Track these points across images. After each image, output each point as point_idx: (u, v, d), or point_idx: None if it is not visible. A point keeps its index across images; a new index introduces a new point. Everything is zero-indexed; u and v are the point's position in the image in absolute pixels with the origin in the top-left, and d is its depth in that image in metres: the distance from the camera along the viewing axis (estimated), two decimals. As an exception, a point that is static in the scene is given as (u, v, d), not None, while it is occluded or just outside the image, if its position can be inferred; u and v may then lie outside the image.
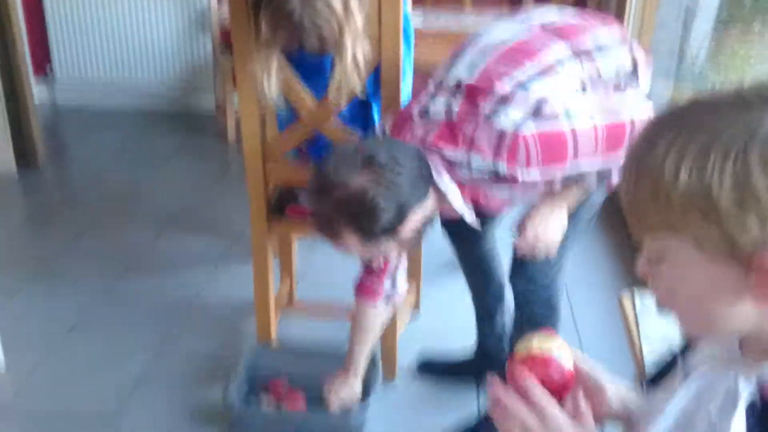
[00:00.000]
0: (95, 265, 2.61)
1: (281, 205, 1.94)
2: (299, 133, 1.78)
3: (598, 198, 1.65)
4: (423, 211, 1.39)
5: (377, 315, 1.75)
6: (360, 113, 1.80)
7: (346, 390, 1.79)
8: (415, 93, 1.63)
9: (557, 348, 0.79)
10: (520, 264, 1.71)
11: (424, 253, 2.32)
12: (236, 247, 2.76)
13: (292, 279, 2.34)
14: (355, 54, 1.57)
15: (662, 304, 0.70)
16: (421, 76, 2.21)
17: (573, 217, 1.60)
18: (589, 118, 1.36)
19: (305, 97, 1.73)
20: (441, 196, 1.42)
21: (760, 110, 0.59)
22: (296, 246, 2.39)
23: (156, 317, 2.32)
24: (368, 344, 1.78)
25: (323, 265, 2.65)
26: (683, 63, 3.33)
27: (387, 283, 1.71)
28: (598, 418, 0.77)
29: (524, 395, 0.73)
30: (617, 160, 1.40)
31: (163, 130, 4.08)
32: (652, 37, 3.27)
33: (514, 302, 1.81)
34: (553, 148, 1.34)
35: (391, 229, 1.34)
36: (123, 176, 3.41)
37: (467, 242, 1.93)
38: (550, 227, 1.54)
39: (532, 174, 1.35)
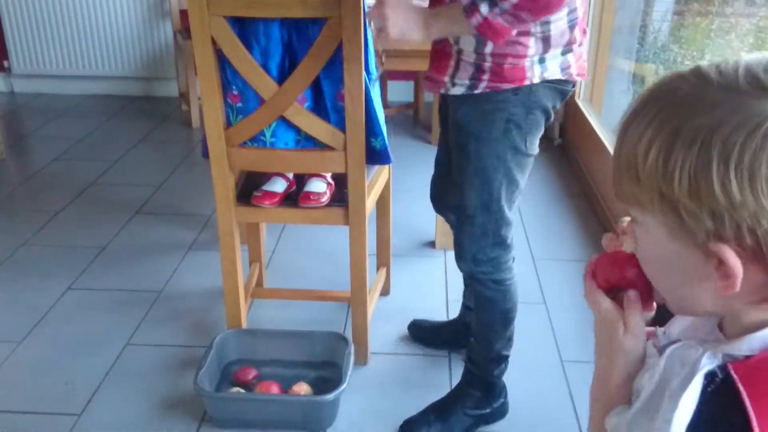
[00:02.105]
0: (61, 256, 2.57)
1: (248, 191, 1.93)
2: (262, 118, 1.76)
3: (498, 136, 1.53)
4: None
5: None
6: (314, 97, 1.78)
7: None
8: None
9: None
10: (457, 241, 1.68)
11: (394, 236, 2.33)
12: (204, 234, 2.73)
13: (261, 265, 2.33)
14: None
15: (642, 265, 0.71)
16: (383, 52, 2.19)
17: (476, 159, 1.54)
18: None
19: (266, 80, 1.71)
20: None
21: (725, 102, 0.58)
22: (264, 232, 2.38)
23: (125, 307, 2.30)
24: None
25: (292, 250, 2.64)
26: (646, 38, 3.36)
27: None
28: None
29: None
30: None
31: (126, 118, 4.02)
32: (614, 13, 3.29)
33: (471, 292, 1.81)
34: None
35: None
36: (87, 165, 3.35)
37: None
38: (391, 13, 1.43)
39: None
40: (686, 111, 0.60)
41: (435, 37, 1.51)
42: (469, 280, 1.78)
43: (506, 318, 1.76)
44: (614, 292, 0.77)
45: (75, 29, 4.19)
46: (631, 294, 0.76)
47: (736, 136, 0.57)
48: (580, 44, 1.55)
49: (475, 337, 1.82)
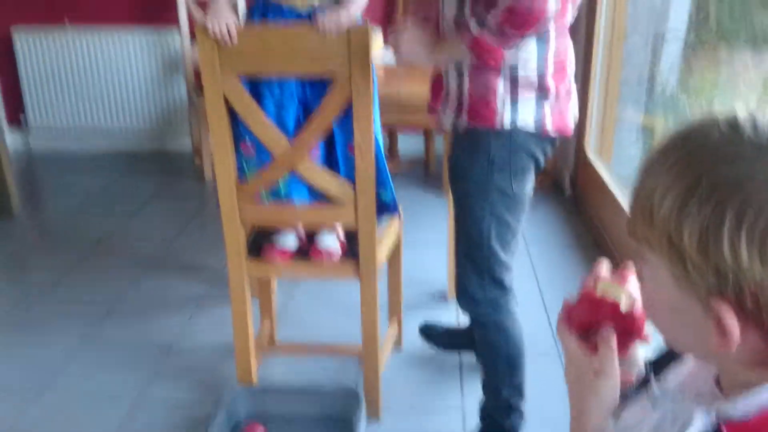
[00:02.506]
0: (73, 312, 2.57)
1: (259, 246, 1.93)
2: (273, 173, 1.78)
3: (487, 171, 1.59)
4: None
5: None
6: (326, 154, 1.81)
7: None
8: None
9: (619, 293, 0.79)
10: (457, 280, 1.74)
11: (405, 288, 2.31)
12: (215, 288, 2.73)
13: (272, 320, 2.32)
14: None
15: (644, 308, 0.71)
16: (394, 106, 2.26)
17: (471, 186, 1.61)
18: None
19: (277, 135, 1.73)
20: None
21: (753, 160, 0.57)
22: (275, 284, 2.37)
23: (136, 363, 2.28)
24: None
25: (303, 304, 2.63)
26: (654, 89, 3.39)
27: None
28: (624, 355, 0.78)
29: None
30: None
31: (140, 173, 4.07)
32: (621, 66, 3.33)
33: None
34: None
35: None
36: (100, 220, 3.38)
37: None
38: (413, 38, 1.58)
39: None
40: (710, 161, 0.59)
41: (439, 59, 1.63)
42: (473, 323, 1.82)
43: (511, 364, 1.76)
44: (590, 334, 0.77)
45: (91, 85, 4.27)
46: (604, 333, 0.75)
47: (755, 198, 0.55)
48: (558, 97, 1.59)
49: (484, 386, 1.84)
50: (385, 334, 2.22)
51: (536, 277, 2.77)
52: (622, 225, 2.71)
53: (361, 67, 1.63)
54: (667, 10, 3.26)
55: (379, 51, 2.25)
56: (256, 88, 1.77)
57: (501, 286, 1.69)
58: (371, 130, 1.70)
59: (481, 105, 1.56)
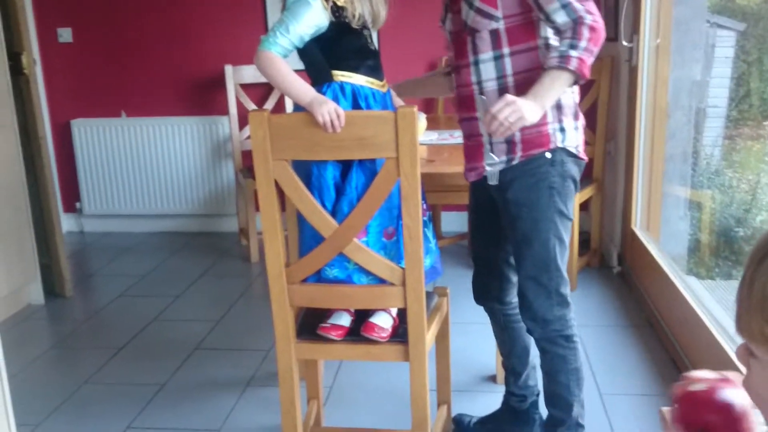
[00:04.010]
0: (122, 395, 2.58)
1: (310, 326, 1.93)
2: (322, 255, 1.79)
3: (555, 177, 1.80)
4: None
5: None
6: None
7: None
8: None
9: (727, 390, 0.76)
10: (524, 304, 1.88)
11: (453, 371, 2.27)
12: (262, 370, 2.72)
13: (319, 402, 2.29)
14: None
15: (753, 400, 0.68)
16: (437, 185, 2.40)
17: (535, 205, 1.79)
18: None
19: (326, 220, 1.75)
20: None
21: None
22: (322, 367, 2.36)
23: (181, 448, 2.27)
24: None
25: (350, 386, 2.60)
26: (698, 164, 3.36)
27: None
28: None
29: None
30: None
31: (188, 254, 4.15)
32: (664, 141, 3.32)
33: (537, 348, 1.95)
34: None
35: None
36: (149, 302, 3.43)
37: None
38: (520, 102, 1.63)
39: None
40: None
41: (549, 106, 1.71)
42: (542, 343, 1.92)
43: (578, 377, 1.93)
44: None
45: (143, 172, 4.43)
46: None
47: None
48: (582, 125, 1.86)
49: (553, 404, 1.95)
50: (435, 417, 2.17)
51: (587, 357, 2.70)
52: (674, 303, 2.65)
53: (408, 151, 1.66)
54: (707, 86, 3.27)
55: (424, 133, 2.30)
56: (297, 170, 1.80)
57: (566, 301, 1.87)
58: (419, 212, 1.71)
59: (533, 134, 1.77)
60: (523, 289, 1.88)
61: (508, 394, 2.21)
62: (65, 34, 4.35)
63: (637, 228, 3.37)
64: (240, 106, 4.07)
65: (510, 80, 1.77)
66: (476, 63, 1.80)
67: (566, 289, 1.88)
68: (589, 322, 3.00)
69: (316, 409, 2.26)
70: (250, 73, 4.03)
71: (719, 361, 2.11)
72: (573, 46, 1.65)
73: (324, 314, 1.93)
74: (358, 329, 1.88)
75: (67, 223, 4.54)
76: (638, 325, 2.99)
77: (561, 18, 1.68)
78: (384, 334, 1.86)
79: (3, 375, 1.81)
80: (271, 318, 1.85)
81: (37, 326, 3.24)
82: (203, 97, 4.35)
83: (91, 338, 3.10)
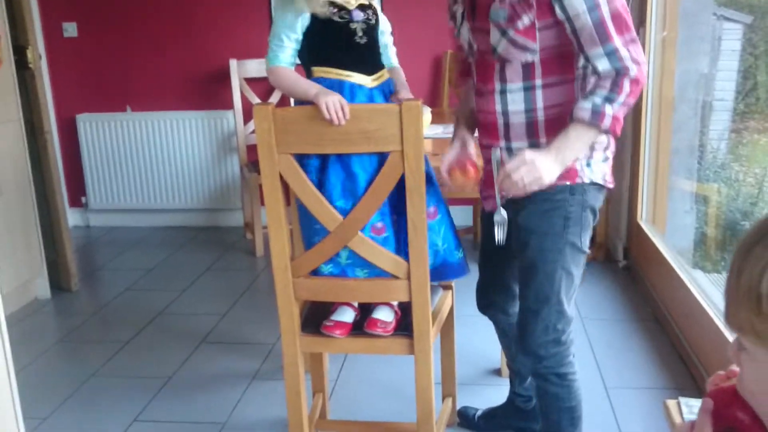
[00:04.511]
0: (128, 388, 2.59)
1: (314, 320, 1.93)
2: (328, 248, 1.79)
3: (576, 211, 1.66)
4: None
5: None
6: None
7: (457, 137, 1.82)
8: None
9: None
10: (520, 335, 1.76)
11: (458, 365, 2.28)
12: (268, 363, 2.73)
13: (325, 395, 2.29)
14: None
15: (747, 397, 0.67)
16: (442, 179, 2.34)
17: (550, 238, 1.65)
18: None
19: (331, 213, 1.75)
20: None
21: None
22: (327, 361, 2.36)
23: (188, 441, 2.28)
24: (466, 105, 1.85)
25: (355, 379, 2.61)
26: (704, 157, 3.35)
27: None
28: None
29: None
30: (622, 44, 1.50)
31: (193, 248, 4.16)
32: (671, 134, 3.31)
33: (534, 384, 1.85)
34: None
35: None
36: (155, 295, 3.44)
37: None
38: (538, 162, 1.52)
39: None
40: None
41: (570, 162, 1.59)
42: (534, 378, 1.83)
43: (573, 417, 1.79)
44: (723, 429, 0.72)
45: (148, 167, 4.44)
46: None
47: None
48: (612, 152, 1.72)
49: None
50: (440, 411, 2.17)
51: (593, 351, 2.70)
52: (680, 297, 2.64)
53: (413, 145, 1.65)
54: (714, 79, 3.25)
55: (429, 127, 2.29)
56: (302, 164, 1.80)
57: (562, 340, 1.74)
58: (424, 205, 1.71)
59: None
60: (521, 319, 1.78)
61: (514, 394, 2.20)
62: (70, 29, 4.35)
63: (643, 221, 3.36)
64: (245, 100, 4.07)
65: (540, 114, 1.63)
66: (503, 92, 1.65)
67: (566, 326, 1.73)
68: (594, 315, 2.99)
69: (322, 402, 2.27)
70: (254, 67, 4.03)
71: (725, 355, 2.10)
72: (610, 100, 1.51)
73: (328, 308, 1.94)
74: (362, 325, 1.88)
75: (73, 217, 4.56)
76: (644, 319, 2.98)
77: (603, 65, 1.52)
78: (388, 329, 1.86)
79: (10, 369, 1.82)
80: (277, 311, 1.85)
81: (44, 320, 3.25)
82: (208, 91, 4.35)
83: (97, 332, 3.12)
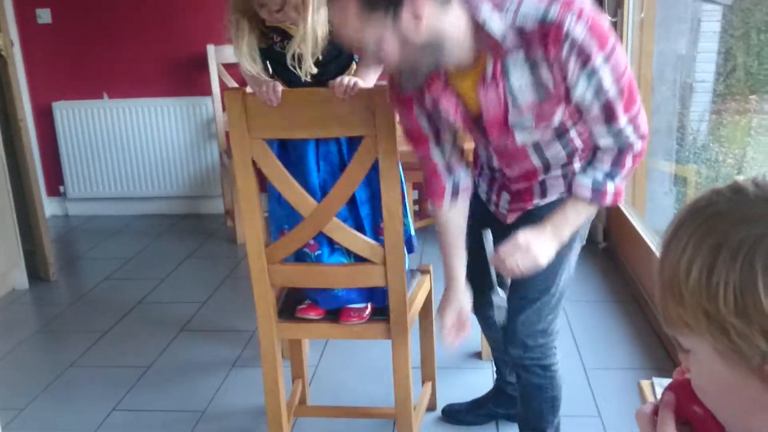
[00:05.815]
0: (107, 377, 2.57)
1: (290, 307, 1.92)
2: (302, 234, 1.78)
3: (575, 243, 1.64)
4: (439, 14, 1.29)
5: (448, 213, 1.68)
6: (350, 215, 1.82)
7: (453, 305, 1.69)
8: None
9: None
10: (509, 325, 1.72)
11: (438, 349, 2.28)
12: (248, 350, 2.72)
13: (304, 381, 2.29)
14: (314, 27, 1.67)
15: (700, 398, 0.67)
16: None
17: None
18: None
19: (305, 199, 1.74)
20: (469, 24, 1.33)
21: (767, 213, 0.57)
22: (307, 347, 2.35)
23: (169, 428, 2.26)
24: (455, 247, 1.69)
25: (335, 365, 2.60)
26: (685, 138, 3.36)
27: (448, 180, 1.64)
28: None
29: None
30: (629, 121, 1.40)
31: (173, 236, 4.12)
32: (650, 116, 3.31)
33: (515, 374, 1.83)
34: (599, 28, 1.31)
35: (394, 5, 1.26)
36: (134, 284, 3.41)
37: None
38: (535, 244, 1.46)
39: (578, 31, 1.28)
40: (725, 226, 0.58)
41: (566, 238, 1.52)
42: (517, 369, 1.81)
43: (554, 405, 1.80)
44: (681, 423, 0.72)
45: (126, 154, 4.39)
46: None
47: None
48: None
49: (525, 428, 1.85)
50: (419, 395, 2.17)
51: (572, 333, 2.71)
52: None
53: (386, 128, 1.64)
54: (694, 61, 3.26)
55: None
56: (281, 152, 1.80)
57: (550, 332, 1.73)
58: (398, 189, 1.70)
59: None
60: (513, 308, 1.69)
61: (504, 383, 2.16)
62: (44, 15, 4.28)
63: (623, 203, 3.37)
64: (223, 86, 4.02)
65: (577, 143, 1.55)
66: (537, 147, 1.55)
67: (556, 318, 1.72)
68: (574, 297, 3.00)
69: (301, 388, 2.26)
70: (232, 53, 3.98)
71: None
72: (611, 176, 1.46)
73: (303, 295, 1.93)
74: (337, 316, 1.87)
75: (51, 207, 4.51)
76: (623, 300, 3.00)
77: (605, 142, 1.44)
78: (363, 315, 1.86)
79: (-17, 360, 1.79)
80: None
81: (22, 311, 3.22)
82: (186, 77, 4.30)
83: (76, 322, 3.09)
